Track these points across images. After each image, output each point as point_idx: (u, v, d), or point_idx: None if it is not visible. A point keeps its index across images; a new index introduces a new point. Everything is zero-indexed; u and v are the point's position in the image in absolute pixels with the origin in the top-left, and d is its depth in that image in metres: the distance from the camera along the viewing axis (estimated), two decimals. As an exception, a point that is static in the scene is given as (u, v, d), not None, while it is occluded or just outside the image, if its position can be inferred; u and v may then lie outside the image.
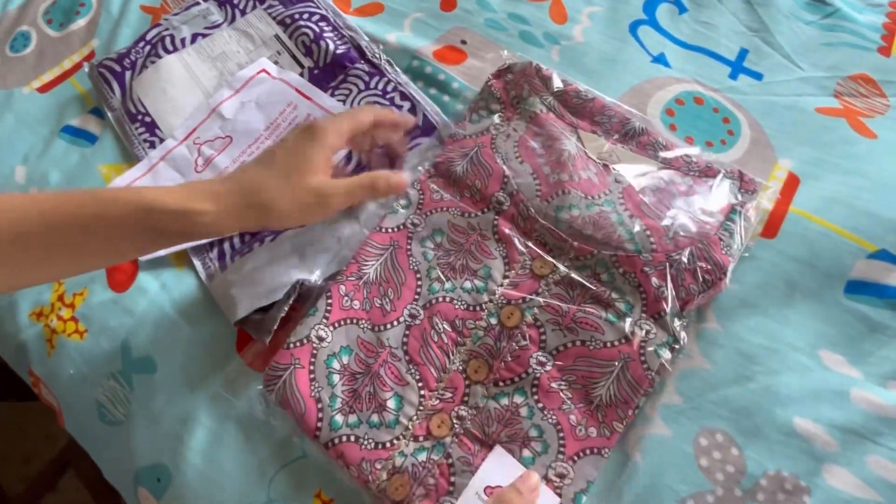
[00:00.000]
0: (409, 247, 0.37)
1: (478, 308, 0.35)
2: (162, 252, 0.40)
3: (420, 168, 0.40)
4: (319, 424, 0.32)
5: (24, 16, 0.57)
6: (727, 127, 0.43)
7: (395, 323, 0.35)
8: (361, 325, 0.35)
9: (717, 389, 0.33)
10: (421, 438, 0.32)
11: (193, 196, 0.30)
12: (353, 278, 0.36)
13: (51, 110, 0.51)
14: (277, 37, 0.49)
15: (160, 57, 0.49)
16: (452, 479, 0.31)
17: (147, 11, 0.55)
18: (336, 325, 0.35)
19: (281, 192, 0.31)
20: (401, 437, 0.32)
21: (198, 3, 0.52)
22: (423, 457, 0.32)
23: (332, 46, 0.48)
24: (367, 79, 0.46)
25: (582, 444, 0.31)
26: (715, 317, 0.35)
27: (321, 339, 0.34)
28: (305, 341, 0.34)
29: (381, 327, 0.35)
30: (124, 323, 0.40)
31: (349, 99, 0.46)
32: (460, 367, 0.34)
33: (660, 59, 0.47)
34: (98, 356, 0.39)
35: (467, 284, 0.36)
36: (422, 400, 0.33)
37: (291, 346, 0.34)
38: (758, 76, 0.45)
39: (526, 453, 0.31)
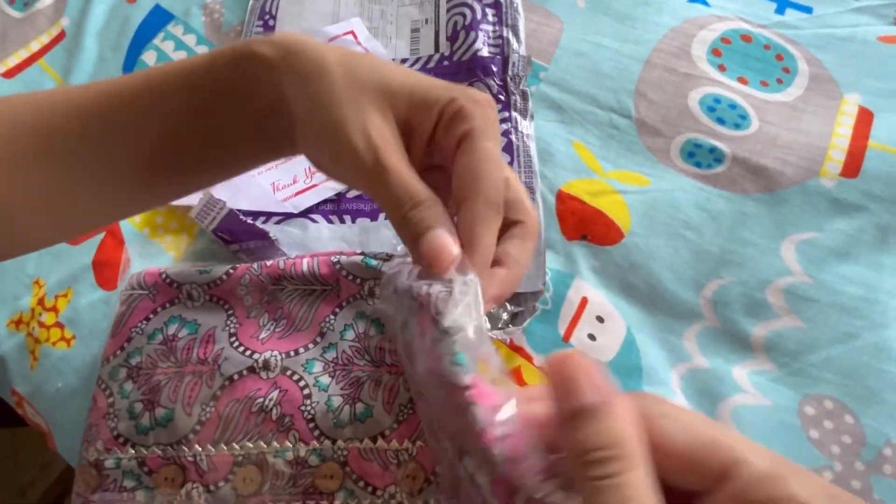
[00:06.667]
0: (337, 310, 0.29)
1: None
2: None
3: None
4: None
5: (-18, -2, 0.51)
6: (781, 64, 0.38)
7: (244, 353, 0.28)
8: (229, 324, 0.29)
9: (817, 350, 0.29)
10: (146, 470, 0.26)
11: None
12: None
13: (19, 97, 0.45)
14: (437, 3, 0.42)
15: None
16: None
17: (122, -15, 0.50)
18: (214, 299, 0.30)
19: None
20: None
21: None
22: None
23: (479, 43, 0.39)
24: None
25: None
26: (801, 268, 0.31)
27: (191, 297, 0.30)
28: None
29: (236, 343, 0.28)
30: (118, 325, 0.34)
31: None
32: (239, 458, 0.26)
33: (696, -1, 0.42)
34: (89, 365, 0.34)
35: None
36: (184, 440, 0.26)
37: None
38: (807, 10, 0.41)
39: None
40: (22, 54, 0.48)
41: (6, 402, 0.39)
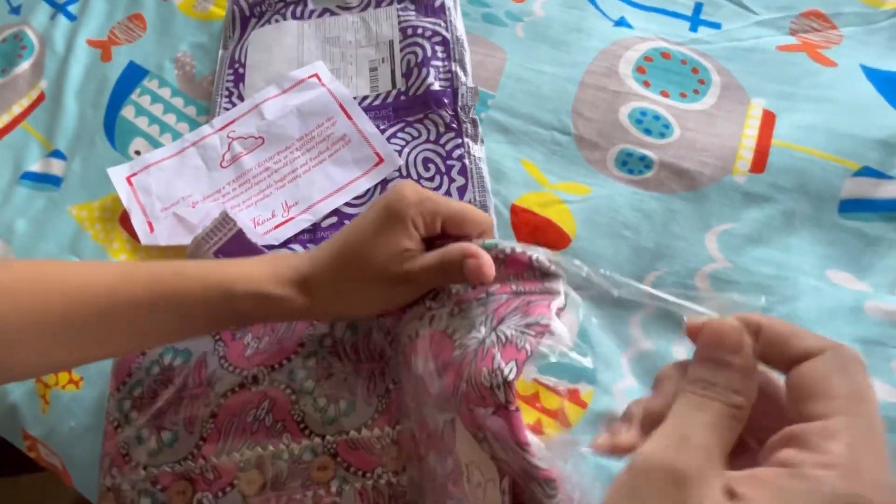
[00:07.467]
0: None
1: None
2: None
3: None
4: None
5: (-39, 67, 0.54)
6: (697, 77, 0.44)
7: (234, 371, 0.31)
8: (217, 348, 0.32)
9: (739, 324, 0.33)
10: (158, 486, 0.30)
11: (281, 280, 0.28)
12: None
13: (5, 159, 0.48)
14: (391, 44, 0.46)
15: (285, 18, 0.49)
16: None
17: (95, 46, 0.53)
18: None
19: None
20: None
21: None
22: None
23: (431, 78, 0.43)
24: (441, 129, 0.41)
25: None
26: (723, 256, 0.36)
27: None
28: None
29: (226, 364, 0.31)
30: (123, 363, 0.37)
31: (408, 145, 0.42)
32: (241, 464, 0.29)
33: (621, 23, 0.48)
34: (99, 403, 0.37)
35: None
36: (190, 456, 0.30)
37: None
38: (716, 26, 0.47)
39: None
40: (4, 119, 0.50)
41: (9, 451, 0.41)
